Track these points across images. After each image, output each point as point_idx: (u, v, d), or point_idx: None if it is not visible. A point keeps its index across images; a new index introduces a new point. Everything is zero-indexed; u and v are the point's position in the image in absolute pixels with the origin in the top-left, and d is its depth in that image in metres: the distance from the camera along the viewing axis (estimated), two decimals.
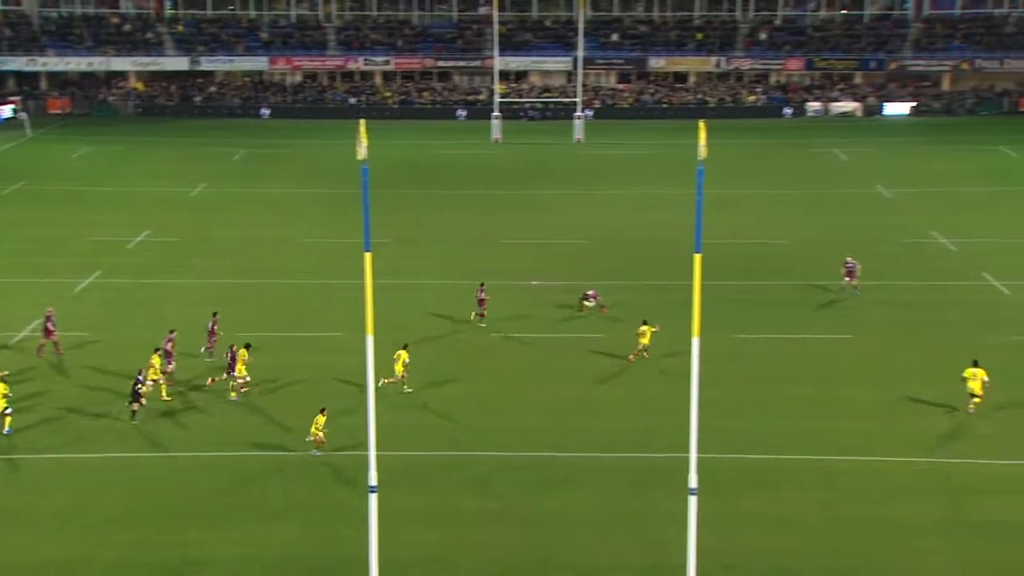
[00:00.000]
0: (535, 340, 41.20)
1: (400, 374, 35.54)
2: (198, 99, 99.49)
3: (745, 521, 28.07)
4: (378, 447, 21.02)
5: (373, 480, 19.64)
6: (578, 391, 36.53)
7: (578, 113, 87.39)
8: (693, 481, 17.75)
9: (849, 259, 45.63)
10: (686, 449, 18.94)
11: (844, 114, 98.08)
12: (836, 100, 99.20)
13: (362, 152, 19.71)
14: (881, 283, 47.86)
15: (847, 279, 45.44)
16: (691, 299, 18.25)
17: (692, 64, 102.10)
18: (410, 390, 35.81)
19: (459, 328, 42.51)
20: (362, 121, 22.61)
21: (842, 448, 31.93)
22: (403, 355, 35.78)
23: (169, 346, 37.41)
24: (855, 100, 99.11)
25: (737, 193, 65.28)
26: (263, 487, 30.18)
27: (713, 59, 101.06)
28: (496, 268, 51.18)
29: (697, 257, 18.50)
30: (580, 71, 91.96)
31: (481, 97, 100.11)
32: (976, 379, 33.60)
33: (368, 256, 18.86)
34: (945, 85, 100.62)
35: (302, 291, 47.49)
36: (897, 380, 37.16)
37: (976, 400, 33.72)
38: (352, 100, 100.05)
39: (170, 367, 36.98)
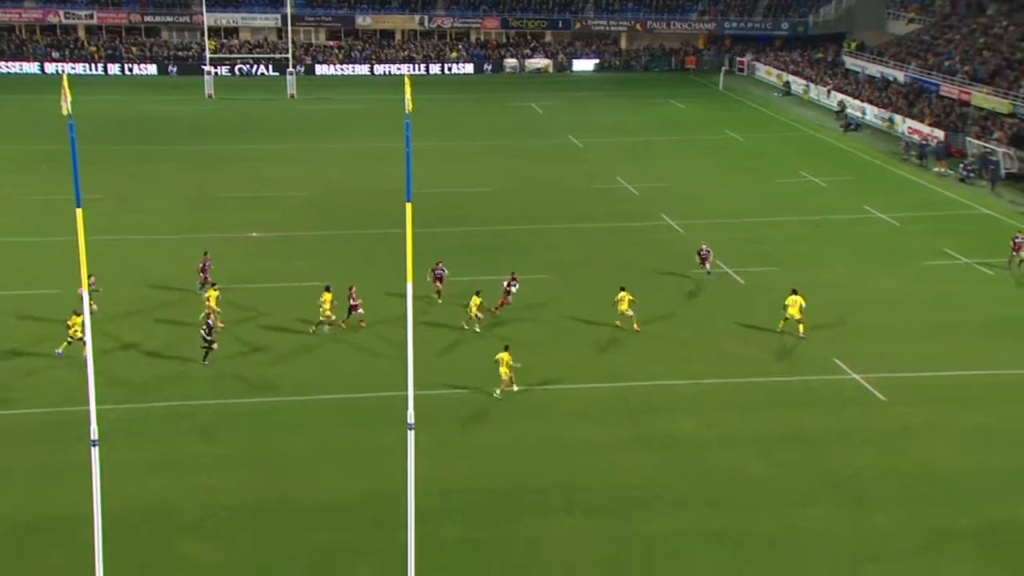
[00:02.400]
0: (255, 291, 40.09)
1: (474, 315, 35.98)
2: None
3: (461, 451, 28.58)
4: (100, 401, 19.83)
5: (94, 434, 18.53)
6: (296, 338, 35.88)
7: (290, 69, 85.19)
8: (411, 417, 17.88)
9: (703, 246, 42.23)
10: (405, 387, 19.01)
11: (538, 70, 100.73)
12: (530, 57, 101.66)
13: (66, 107, 18.31)
14: (575, 226, 49.75)
15: (702, 265, 42.00)
16: (405, 246, 18.25)
17: (397, 22, 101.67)
18: (478, 330, 36.15)
19: (174, 280, 40.71)
20: (64, 75, 20.99)
21: (543, 378, 32.98)
22: (475, 300, 36.05)
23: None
24: (547, 57, 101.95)
25: (445, 145, 65.84)
26: None
27: (416, 17, 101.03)
28: (214, 223, 49.38)
29: (408, 206, 18.48)
30: (290, 28, 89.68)
31: (192, 53, 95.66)
32: (795, 305, 35.32)
33: (79, 212, 17.64)
34: (623, 44, 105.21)
35: (9, 249, 44.03)
36: (588, 314, 38.79)
37: (800, 326, 35.77)
38: (55, 54, 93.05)
39: (94, 307, 35.18)
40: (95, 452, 18.21)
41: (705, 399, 31.91)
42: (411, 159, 18.27)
